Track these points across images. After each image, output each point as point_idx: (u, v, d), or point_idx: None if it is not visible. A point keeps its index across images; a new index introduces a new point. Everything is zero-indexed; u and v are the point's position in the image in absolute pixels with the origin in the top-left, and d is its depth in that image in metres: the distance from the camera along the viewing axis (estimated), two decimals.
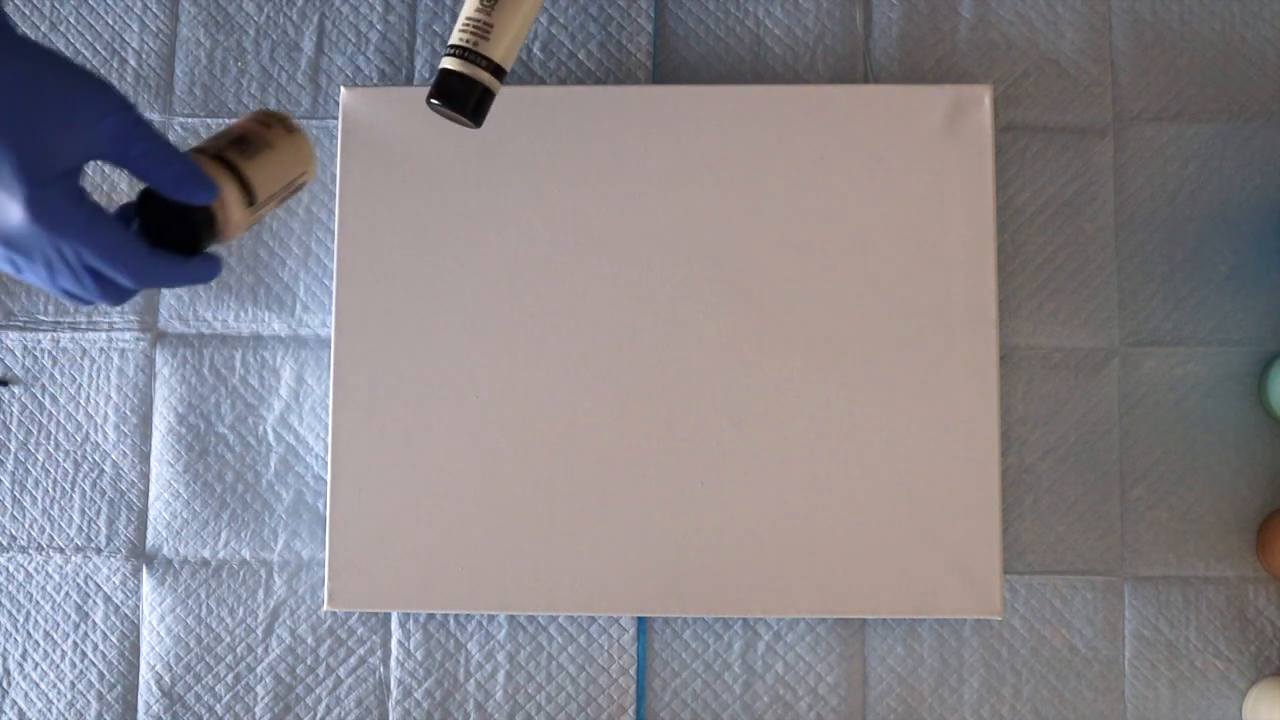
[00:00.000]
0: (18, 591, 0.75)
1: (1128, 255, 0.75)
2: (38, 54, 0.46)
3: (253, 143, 0.52)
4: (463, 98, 0.60)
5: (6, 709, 0.74)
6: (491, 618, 0.73)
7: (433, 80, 0.60)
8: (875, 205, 0.72)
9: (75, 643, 0.74)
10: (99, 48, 0.78)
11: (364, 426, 0.71)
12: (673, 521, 0.71)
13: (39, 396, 0.76)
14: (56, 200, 0.45)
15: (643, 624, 0.73)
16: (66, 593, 0.75)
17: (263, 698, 0.73)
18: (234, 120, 0.53)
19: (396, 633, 0.73)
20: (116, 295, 0.49)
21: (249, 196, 0.51)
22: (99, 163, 0.53)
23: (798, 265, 0.72)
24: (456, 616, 0.73)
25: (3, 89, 0.45)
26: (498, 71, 0.60)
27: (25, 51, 0.46)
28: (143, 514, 0.75)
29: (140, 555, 0.75)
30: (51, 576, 0.75)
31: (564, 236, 0.72)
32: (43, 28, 0.78)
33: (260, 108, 0.53)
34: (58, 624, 0.74)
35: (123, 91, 0.77)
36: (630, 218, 0.72)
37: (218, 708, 0.73)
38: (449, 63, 0.60)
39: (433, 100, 0.61)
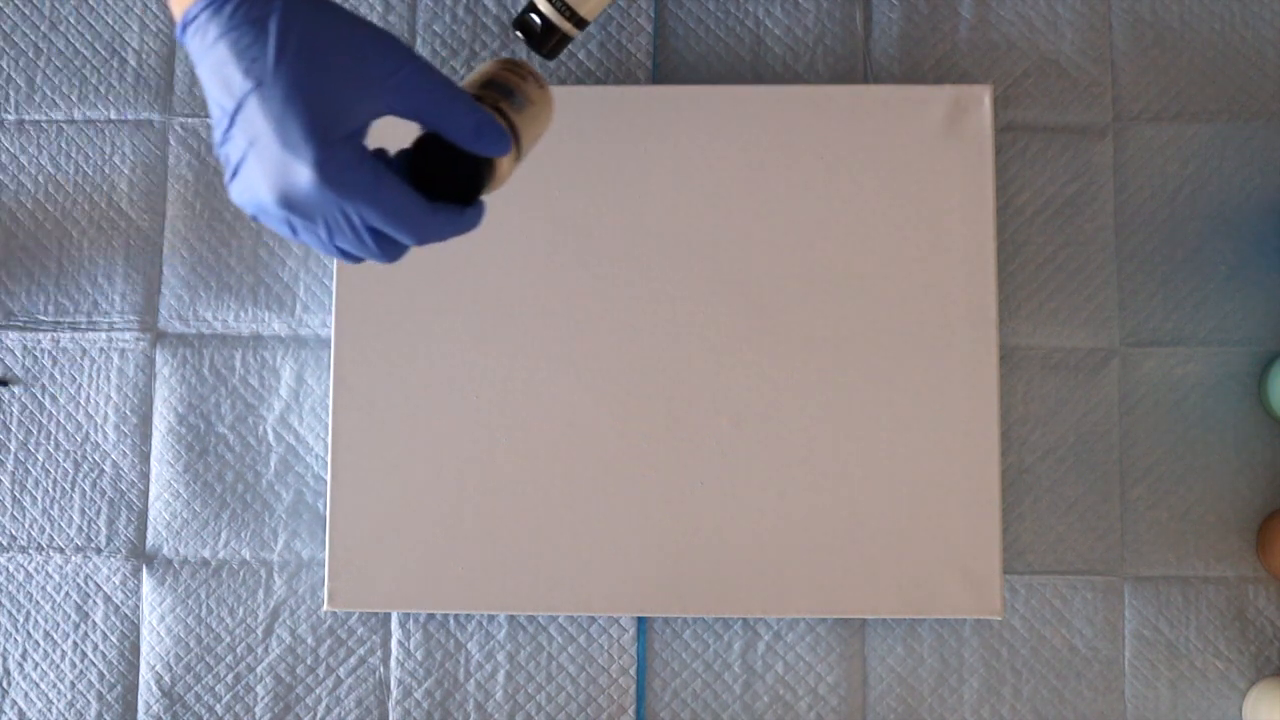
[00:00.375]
0: (18, 591, 0.75)
1: (1128, 255, 0.75)
2: (328, 10, 0.45)
3: (517, 94, 0.51)
4: (541, 41, 0.65)
5: (6, 709, 0.74)
6: (491, 618, 0.73)
7: (522, 8, 0.65)
8: (875, 205, 0.72)
9: (75, 643, 0.74)
10: (99, 48, 0.78)
11: (364, 426, 0.71)
12: (673, 521, 0.71)
13: (39, 396, 0.76)
14: (345, 162, 0.44)
15: (643, 624, 0.73)
16: (66, 593, 0.75)
17: (263, 698, 0.73)
18: (481, 66, 0.53)
19: (396, 633, 0.73)
20: (395, 252, 0.48)
21: (518, 149, 0.50)
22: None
23: (797, 265, 0.72)
24: (456, 616, 0.73)
25: (294, 47, 0.43)
26: (581, 23, 0.64)
27: (317, 6, 0.45)
28: (143, 514, 0.75)
29: (140, 555, 0.75)
30: (51, 576, 0.75)
31: (564, 236, 0.72)
32: (43, 27, 0.78)
33: (507, 57, 0.53)
34: (58, 624, 0.74)
35: (123, 92, 0.77)
36: (630, 218, 0.72)
37: (218, 708, 0.73)
38: (541, 3, 0.64)
39: (516, 31, 0.65)
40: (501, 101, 0.50)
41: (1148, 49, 0.76)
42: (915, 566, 0.70)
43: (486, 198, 0.51)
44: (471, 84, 0.52)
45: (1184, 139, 0.76)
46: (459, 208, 0.49)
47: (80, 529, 0.75)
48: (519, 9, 0.77)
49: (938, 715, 0.73)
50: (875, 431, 0.71)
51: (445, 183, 0.48)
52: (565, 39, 0.66)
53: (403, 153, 0.49)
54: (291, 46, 0.44)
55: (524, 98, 0.51)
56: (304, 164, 0.43)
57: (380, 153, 0.48)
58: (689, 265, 0.72)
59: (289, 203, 0.44)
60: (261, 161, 0.44)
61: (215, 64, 0.44)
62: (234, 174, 0.45)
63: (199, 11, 0.44)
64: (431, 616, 0.73)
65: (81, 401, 0.76)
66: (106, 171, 0.77)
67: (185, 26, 0.45)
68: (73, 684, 0.74)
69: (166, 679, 0.74)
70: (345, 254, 0.48)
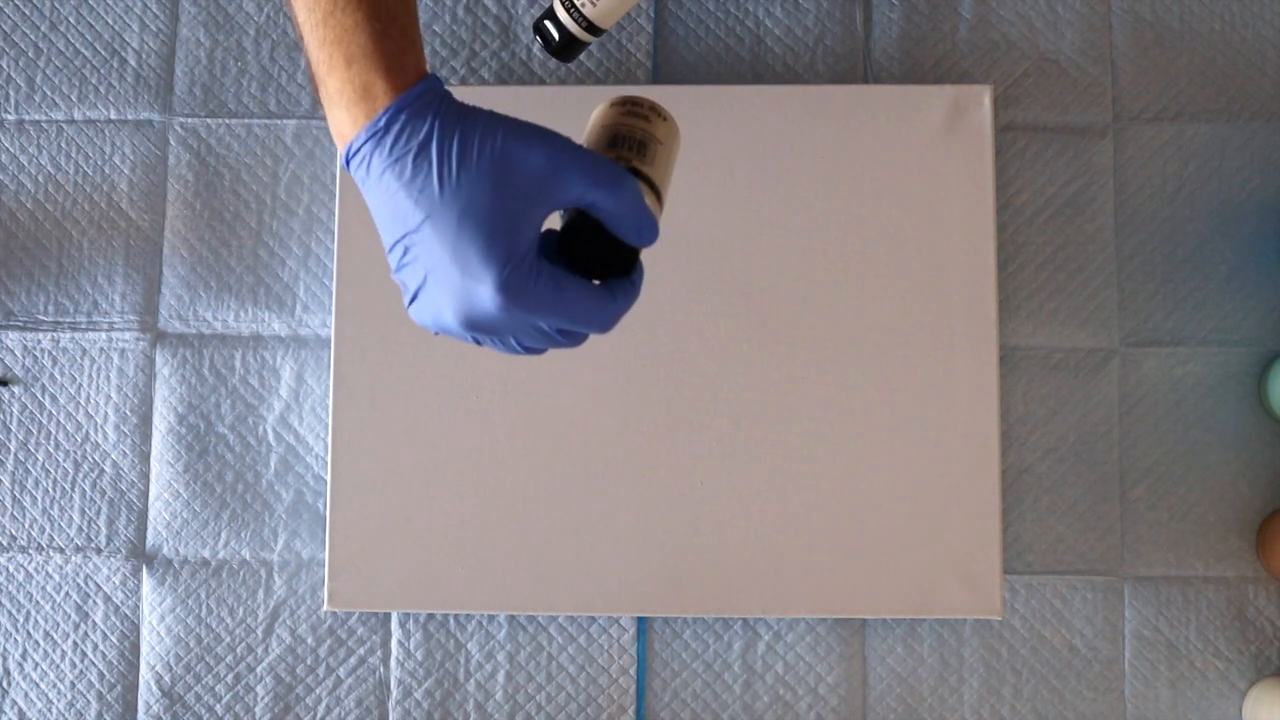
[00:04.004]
0: (18, 591, 0.75)
1: (1128, 255, 0.75)
2: (480, 122, 0.45)
3: (647, 144, 0.50)
4: (557, 47, 0.67)
5: (6, 709, 0.74)
6: (491, 618, 0.73)
7: (540, 14, 0.66)
8: (875, 205, 0.72)
9: (75, 643, 0.74)
10: (99, 48, 0.78)
11: (364, 426, 0.71)
12: (673, 521, 0.71)
13: (39, 396, 0.76)
14: (526, 279, 0.44)
15: (643, 624, 0.73)
16: (66, 593, 0.75)
17: (263, 698, 0.73)
18: (598, 114, 0.51)
19: (396, 633, 0.73)
20: (580, 340, 0.48)
21: (660, 203, 0.50)
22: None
23: (797, 265, 0.72)
24: (456, 616, 0.73)
25: (457, 173, 0.44)
26: (594, 30, 0.65)
27: (468, 121, 0.45)
28: (143, 514, 0.75)
29: (140, 555, 0.75)
30: (51, 576, 0.75)
31: None
32: (43, 27, 0.78)
33: (623, 97, 0.51)
34: (58, 624, 0.74)
35: (123, 92, 0.77)
36: None
37: (218, 708, 0.73)
38: (558, 7, 0.65)
39: (534, 35, 0.68)
40: (635, 159, 0.49)
41: (1148, 49, 0.76)
42: (915, 566, 0.70)
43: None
44: (598, 142, 0.50)
45: (1184, 139, 0.76)
46: (627, 281, 0.48)
47: (80, 529, 0.75)
48: (518, 8, 0.77)
49: (938, 715, 0.73)
50: (875, 431, 0.71)
51: (603, 257, 0.47)
52: (581, 44, 0.66)
53: (554, 231, 0.48)
54: (455, 173, 0.44)
55: (655, 142, 0.50)
56: (487, 288, 0.44)
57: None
58: (689, 265, 0.72)
59: (474, 325, 0.45)
60: (443, 288, 0.44)
61: (384, 196, 0.45)
62: (413, 298, 0.46)
63: (361, 145, 0.45)
64: (431, 616, 0.73)
65: (81, 401, 0.76)
66: (106, 171, 0.77)
67: (349, 160, 0.45)
68: (73, 684, 0.74)
69: (166, 679, 0.74)
70: (530, 351, 0.48)
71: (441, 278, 0.44)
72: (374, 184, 0.45)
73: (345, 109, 0.45)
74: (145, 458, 0.75)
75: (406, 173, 0.44)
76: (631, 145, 0.49)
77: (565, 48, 0.67)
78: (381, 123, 0.44)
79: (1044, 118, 0.76)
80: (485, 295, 0.44)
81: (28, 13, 0.78)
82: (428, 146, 0.44)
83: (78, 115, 0.77)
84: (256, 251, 0.76)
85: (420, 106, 0.45)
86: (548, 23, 0.66)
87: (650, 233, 0.48)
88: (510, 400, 0.71)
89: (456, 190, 0.44)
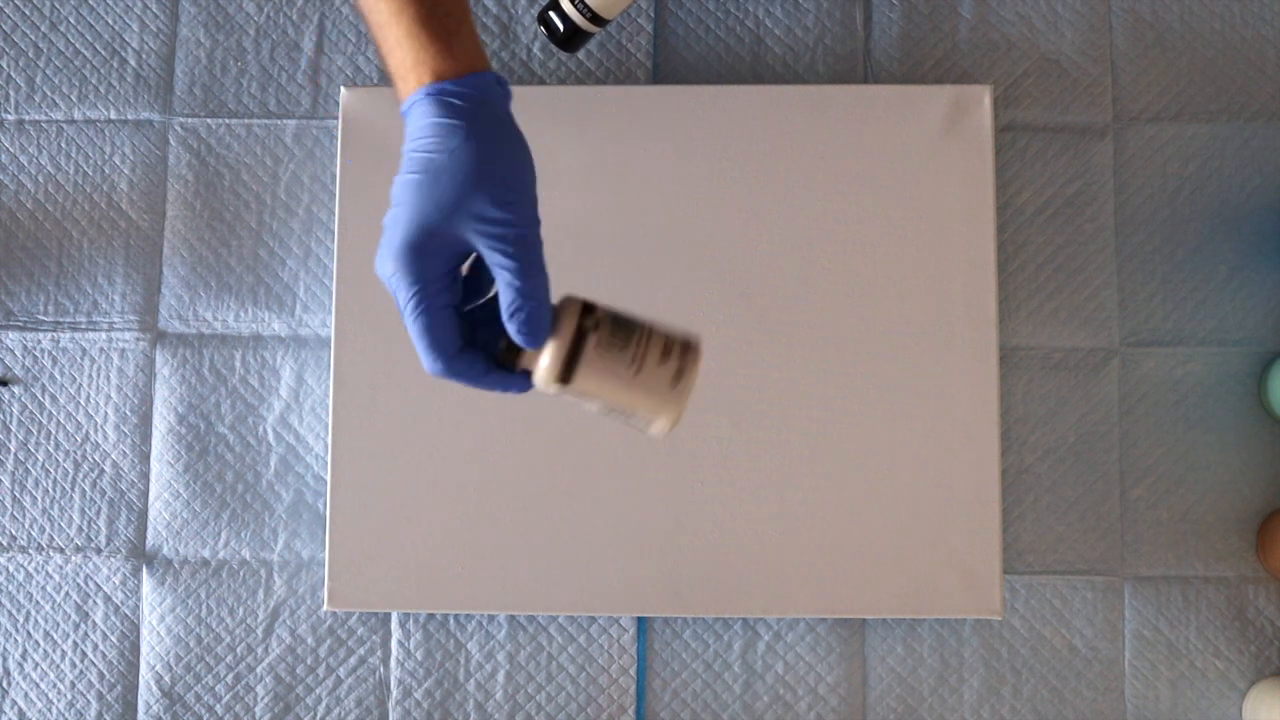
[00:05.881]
0: (18, 591, 0.75)
1: (1128, 255, 0.75)
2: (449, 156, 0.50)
3: (615, 346, 0.52)
4: (562, 37, 0.68)
5: (6, 709, 0.74)
6: (491, 618, 0.73)
7: (545, 5, 0.67)
8: (875, 204, 0.72)
9: (75, 643, 0.74)
10: (99, 48, 0.78)
11: (364, 426, 0.71)
12: (673, 521, 0.71)
13: (39, 396, 0.76)
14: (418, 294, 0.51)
15: (643, 624, 0.73)
16: (66, 593, 0.75)
17: (263, 698, 0.73)
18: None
19: (396, 633, 0.73)
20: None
21: (562, 383, 0.51)
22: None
23: (798, 265, 0.72)
24: (456, 616, 0.73)
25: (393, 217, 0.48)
26: (598, 20, 0.66)
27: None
28: (143, 514, 0.75)
29: (140, 555, 0.75)
30: (51, 576, 0.75)
31: (564, 236, 0.72)
32: (43, 27, 0.78)
33: (686, 337, 0.54)
34: (58, 624, 0.74)
35: (123, 92, 0.77)
36: (630, 218, 0.72)
37: (218, 708, 0.73)
38: (564, 2, 0.66)
39: (540, 22, 0.69)
40: (595, 332, 0.51)
41: (1148, 49, 0.76)
42: (915, 566, 0.70)
43: None
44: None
45: (1184, 139, 0.76)
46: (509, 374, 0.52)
47: (80, 529, 0.75)
48: (518, 8, 0.77)
49: (938, 715, 0.73)
50: (875, 431, 0.71)
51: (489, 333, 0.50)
52: (585, 35, 0.67)
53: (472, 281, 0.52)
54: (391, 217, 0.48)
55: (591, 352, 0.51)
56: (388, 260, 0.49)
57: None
58: (689, 265, 0.72)
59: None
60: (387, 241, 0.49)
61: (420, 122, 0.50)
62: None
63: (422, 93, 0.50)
64: (431, 616, 0.73)
65: (81, 401, 0.76)
66: (106, 171, 0.77)
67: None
68: (73, 684, 0.74)
69: (166, 679, 0.74)
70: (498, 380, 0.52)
71: (385, 241, 0.49)
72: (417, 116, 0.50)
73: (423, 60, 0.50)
74: (145, 458, 0.75)
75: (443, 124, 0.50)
76: (619, 327, 0.52)
77: (570, 38, 0.67)
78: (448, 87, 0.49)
79: (1044, 118, 0.76)
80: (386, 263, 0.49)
81: (28, 13, 0.78)
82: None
83: (78, 115, 0.77)
84: (256, 251, 0.76)
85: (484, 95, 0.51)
86: (552, 14, 0.66)
87: (530, 335, 0.50)
88: (510, 400, 0.71)
89: (390, 224, 0.49)
